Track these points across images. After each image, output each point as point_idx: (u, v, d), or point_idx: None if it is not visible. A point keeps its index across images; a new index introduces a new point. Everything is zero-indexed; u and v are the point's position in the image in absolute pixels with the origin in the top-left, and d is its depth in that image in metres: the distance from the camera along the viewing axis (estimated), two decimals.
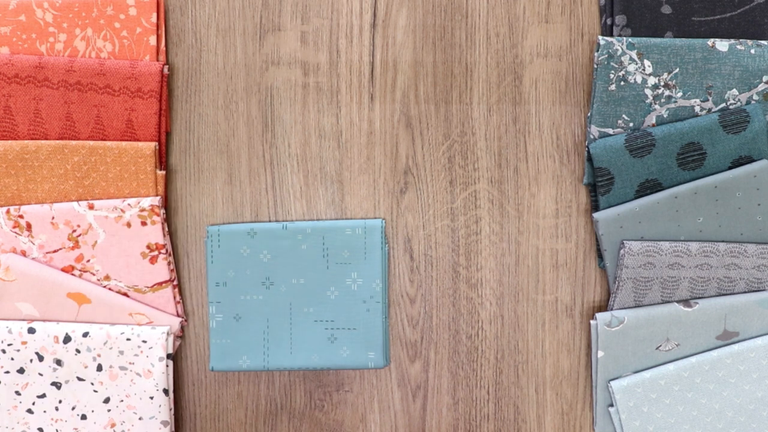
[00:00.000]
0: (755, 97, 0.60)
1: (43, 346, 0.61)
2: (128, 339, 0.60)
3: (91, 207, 0.61)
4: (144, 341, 0.60)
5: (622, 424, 0.61)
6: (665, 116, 0.60)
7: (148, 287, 0.62)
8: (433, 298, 0.64)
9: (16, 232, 0.62)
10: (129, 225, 0.61)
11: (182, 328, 0.64)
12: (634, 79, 0.59)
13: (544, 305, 0.64)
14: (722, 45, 0.59)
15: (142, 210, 0.61)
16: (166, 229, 0.63)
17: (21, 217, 0.61)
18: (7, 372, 0.61)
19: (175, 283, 0.63)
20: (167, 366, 0.61)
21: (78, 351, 0.61)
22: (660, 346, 0.61)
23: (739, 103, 0.60)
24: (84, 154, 0.61)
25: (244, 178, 0.63)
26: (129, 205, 0.61)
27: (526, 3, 0.62)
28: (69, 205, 0.61)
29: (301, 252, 0.62)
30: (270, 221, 0.63)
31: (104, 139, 0.62)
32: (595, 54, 0.60)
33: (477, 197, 0.63)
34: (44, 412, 0.62)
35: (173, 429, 0.63)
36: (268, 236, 0.63)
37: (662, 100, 0.60)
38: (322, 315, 0.63)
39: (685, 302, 0.61)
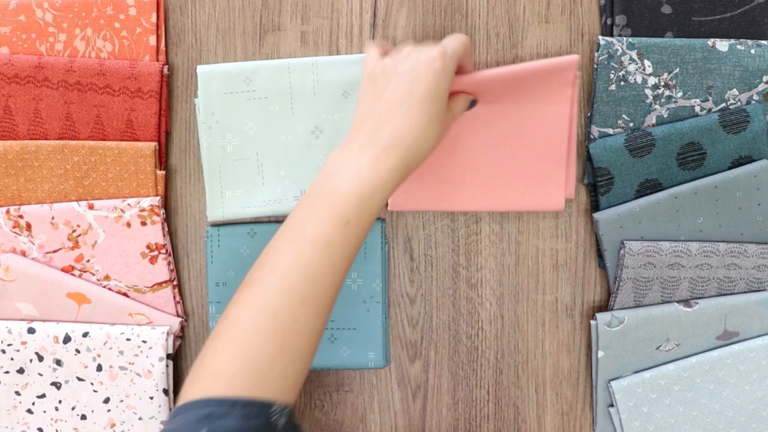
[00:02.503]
0: (755, 97, 0.60)
1: (42, 346, 0.61)
2: (128, 339, 0.60)
3: (90, 207, 0.61)
4: (144, 341, 0.60)
5: (622, 424, 0.61)
6: (665, 116, 0.60)
7: (148, 287, 0.62)
8: (433, 298, 0.64)
9: (15, 232, 0.62)
10: (129, 225, 0.61)
11: (182, 328, 0.64)
12: (634, 79, 0.59)
13: (544, 305, 0.64)
14: (722, 45, 0.59)
15: (142, 210, 0.61)
16: (166, 229, 0.63)
17: (21, 217, 0.61)
18: (7, 372, 0.61)
19: (175, 283, 0.63)
20: (167, 366, 0.61)
21: (78, 351, 0.61)
22: (660, 346, 0.61)
23: (739, 103, 0.60)
24: (84, 154, 0.61)
25: None
26: (129, 205, 0.61)
27: (526, 3, 0.62)
28: (69, 205, 0.61)
29: None
30: (270, 221, 0.63)
31: (104, 139, 0.62)
32: (595, 54, 0.60)
33: None
34: (44, 412, 0.62)
35: None
36: (268, 236, 0.62)
37: (662, 100, 0.60)
38: None
39: (685, 302, 0.61)
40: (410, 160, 0.50)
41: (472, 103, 0.57)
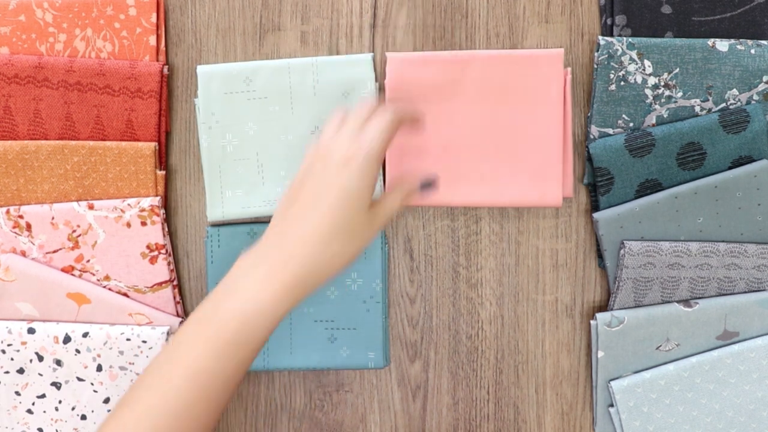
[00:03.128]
0: (755, 97, 0.60)
1: (42, 347, 0.61)
2: (128, 339, 0.60)
3: (90, 207, 0.61)
4: (144, 341, 0.60)
5: (622, 424, 0.61)
6: (665, 116, 0.60)
7: (148, 287, 0.62)
8: (433, 298, 0.64)
9: (16, 232, 0.62)
10: (129, 225, 0.61)
11: None
12: (634, 79, 0.59)
13: (544, 305, 0.64)
14: (722, 45, 0.59)
15: (142, 210, 0.61)
16: (166, 229, 0.63)
17: (21, 217, 0.61)
18: (7, 372, 0.61)
19: (175, 283, 0.63)
20: None
21: (78, 351, 0.61)
22: (660, 346, 0.61)
23: (739, 103, 0.60)
24: (84, 155, 0.61)
25: None
26: (129, 205, 0.61)
27: (526, 3, 0.62)
28: (69, 205, 0.61)
29: None
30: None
31: (104, 140, 0.62)
32: (595, 54, 0.60)
33: None
34: (44, 412, 0.62)
35: None
36: None
37: (662, 100, 0.60)
38: (322, 315, 0.63)
39: (685, 302, 0.61)
40: (306, 278, 0.44)
41: (429, 185, 0.52)
